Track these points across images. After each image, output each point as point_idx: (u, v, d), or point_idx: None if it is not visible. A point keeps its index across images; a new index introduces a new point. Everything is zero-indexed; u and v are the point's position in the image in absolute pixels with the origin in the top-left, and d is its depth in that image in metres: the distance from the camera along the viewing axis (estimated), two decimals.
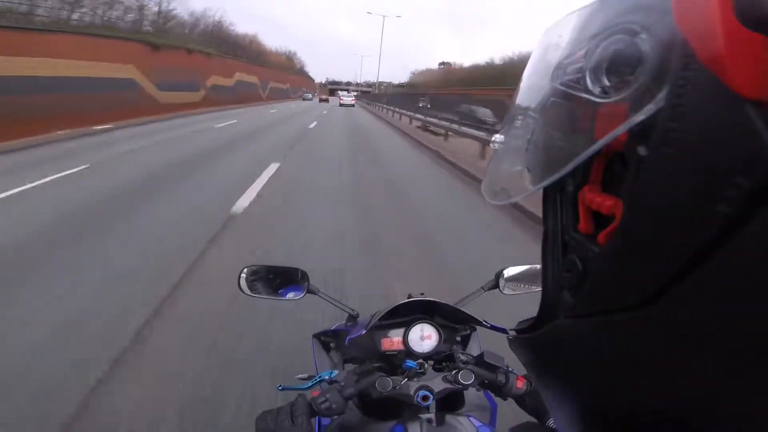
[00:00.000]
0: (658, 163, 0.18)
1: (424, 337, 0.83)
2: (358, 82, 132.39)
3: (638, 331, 0.19)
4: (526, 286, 1.00)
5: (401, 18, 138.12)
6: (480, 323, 0.86)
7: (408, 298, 0.87)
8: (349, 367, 0.93)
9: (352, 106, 37.76)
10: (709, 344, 0.17)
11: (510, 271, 0.99)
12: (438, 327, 0.84)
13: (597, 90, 0.21)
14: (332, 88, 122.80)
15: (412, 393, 0.71)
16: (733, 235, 0.15)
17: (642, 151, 0.19)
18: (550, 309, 0.27)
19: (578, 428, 0.25)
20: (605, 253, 0.22)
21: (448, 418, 0.74)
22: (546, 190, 0.28)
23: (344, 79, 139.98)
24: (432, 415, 0.73)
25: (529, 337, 0.29)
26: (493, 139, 0.33)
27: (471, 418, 0.75)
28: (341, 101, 39.27)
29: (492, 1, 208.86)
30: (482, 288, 1.00)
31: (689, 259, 0.16)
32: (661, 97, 0.18)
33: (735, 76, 0.15)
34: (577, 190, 0.25)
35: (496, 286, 0.99)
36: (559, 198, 0.27)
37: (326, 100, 56.09)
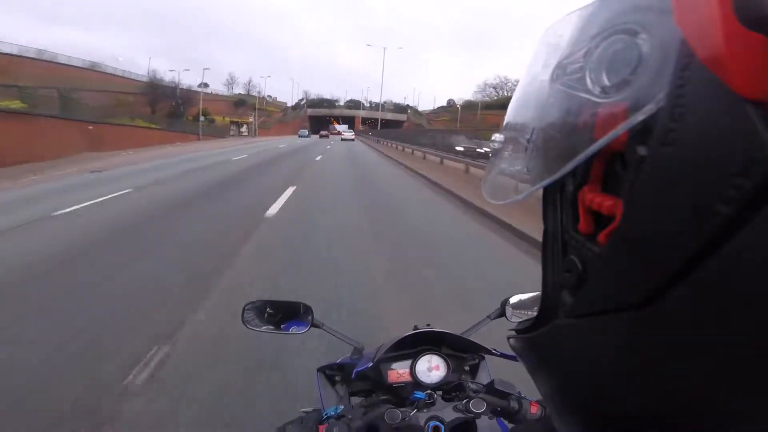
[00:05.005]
0: (658, 163, 0.18)
1: (431, 368, 0.83)
2: (372, 102, 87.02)
3: (638, 331, 0.19)
4: (533, 313, 0.92)
5: (403, 48, 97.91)
6: (489, 351, 0.86)
7: (414, 330, 0.86)
8: (356, 400, 0.91)
9: (352, 140, 39.84)
10: (708, 344, 0.17)
11: (516, 299, 0.98)
12: (445, 357, 0.84)
13: (597, 90, 0.21)
14: (316, 114, 78.74)
15: (422, 424, 0.69)
16: (733, 235, 0.15)
17: (642, 151, 0.19)
18: (549, 309, 0.27)
19: (577, 428, 0.25)
20: (605, 253, 0.22)
21: None
22: (546, 189, 0.28)
23: (337, 97, 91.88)
24: None
25: (528, 337, 0.29)
26: (492, 138, 0.33)
27: None
28: (342, 136, 42.61)
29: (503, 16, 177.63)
30: (488, 317, 1.00)
31: (689, 260, 0.16)
32: (661, 97, 0.18)
33: (735, 76, 0.15)
34: (576, 190, 0.25)
35: (502, 314, 0.99)
36: (558, 198, 0.27)
37: (326, 136, 51.64)
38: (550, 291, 0.27)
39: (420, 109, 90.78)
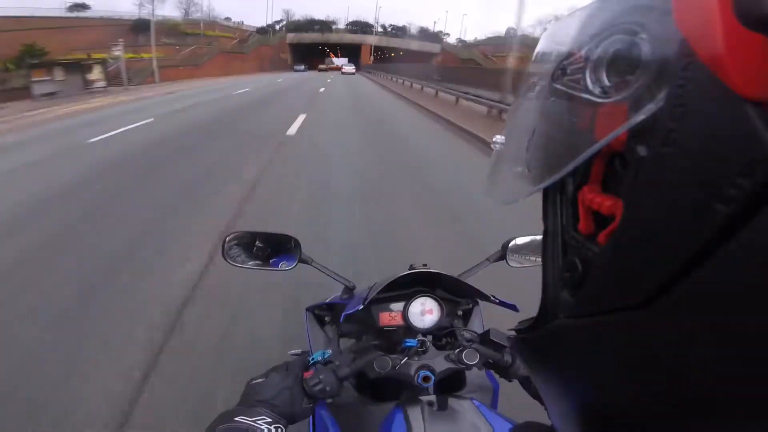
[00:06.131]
0: (658, 163, 0.18)
1: (425, 312, 0.78)
2: (389, 25, 61.10)
3: (638, 331, 0.19)
4: (534, 258, 0.94)
5: None
6: (488, 298, 0.80)
7: (409, 269, 0.82)
8: (345, 342, 0.89)
9: (353, 74, 39.73)
10: (708, 344, 0.17)
11: (517, 242, 0.94)
12: (440, 301, 0.79)
13: (597, 90, 0.21)
14: (302, 41, 53.19)
15: (412, 373, 0.68)
16: (733, 235, 0.15)
17: (642, 151, 0.19)
18: (550, 309, 0.27)
19: (577, 428, 0.25)
20: (605, 253, 0.22)
21: (451, 401, 0.69)
22: (546, 189, 0.28)
23: (334, 18, 62.11)
24: (433, 398, 0.69)
25: (529, 337, 0.29)
26: (494, 139, 0.34)
27: (474, 401, 0.70)
28: (343, 70, 42.28)
29: None
30: (488, 259, 0.96)
31: (689, 259, 0.16)
32: (661, 97, 0.18)
33: (735, 76, 0.15)
34: (577, 190, 0.25)
35: (502, 257, 0.94)
36: (559, 198, 0.27)
37: (325, 70, 47.29)
38: (551, 291, 0.27)
39: (450, 40, 62.03)
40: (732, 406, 0.17)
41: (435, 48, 55.40)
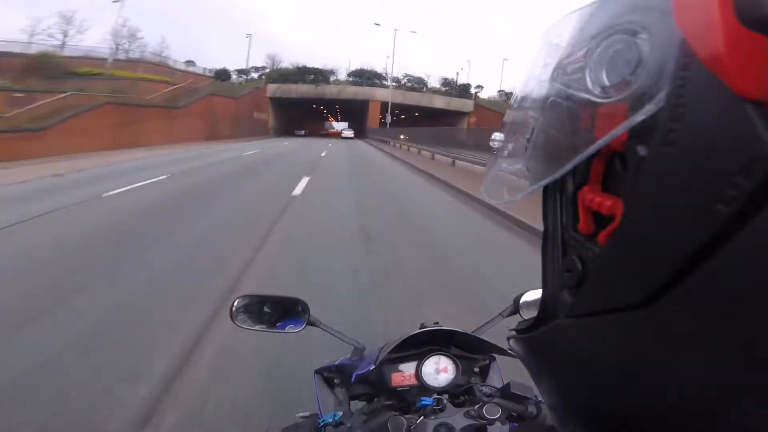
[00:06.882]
0: (658, 163, 0.18)
1: (439, 370, 0.77)
2: (407, 76, 47.70)
3: (637, 331, 0.19)
4: None
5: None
6: (504, 352, 0.78)
7: (420, 328, 0.81)
8: (356, 404, 0.84)
9: (352, 138, 40.31)
10: (708, 345, 0.17)
11: (529, 296, 0.90)
12: (455, 358, 0.78)
13: (597, 90, 0.21)
14: (289, 96, 39.68)
15: None
16: (732, 235, 0.15)
17: (642, 151, 0.19)
18: (549, 309, 0.27)
19: (577, 428, 0.25)
20: (605, 253, 0.22)
21: None
22: (545, 189, 0.28)
23: (333, 67, 48.42)
24: None
25: (529, 337, 0.29)
26: (492, 137, 0.33)
27: None
28: (343, 135, 44.27)
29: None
30: (501, 314, 0.93)
31: (689, 259, 0.16)
32: (661, 97, 0.18)
33: (735, 77, 0.15)
34: (576, 190, 0.25)
35: (515, 311, 0.91)
36: (558, 198, 0.27)
37: (326, 135, 46.31)
38: (550, 291, 0.27)
39: (482, 95, 48.30)
40: (733, 405, 0.17)
41: (467, 105, 41.18)
